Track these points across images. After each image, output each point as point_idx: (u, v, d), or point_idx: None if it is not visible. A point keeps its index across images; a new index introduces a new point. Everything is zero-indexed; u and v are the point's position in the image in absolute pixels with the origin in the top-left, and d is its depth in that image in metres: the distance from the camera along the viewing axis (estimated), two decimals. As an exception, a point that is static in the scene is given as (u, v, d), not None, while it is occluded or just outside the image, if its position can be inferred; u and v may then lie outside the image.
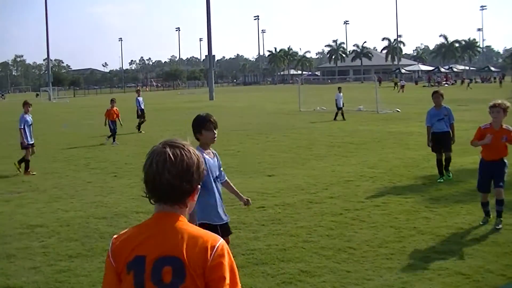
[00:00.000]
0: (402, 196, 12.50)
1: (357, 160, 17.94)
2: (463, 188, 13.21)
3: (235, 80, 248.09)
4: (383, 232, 9.63)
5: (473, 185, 13.53)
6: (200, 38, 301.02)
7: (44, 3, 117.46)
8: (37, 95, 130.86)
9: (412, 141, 22.30)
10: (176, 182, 3.00)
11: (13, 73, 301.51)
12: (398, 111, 39.14)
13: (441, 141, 14.68)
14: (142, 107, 32.10)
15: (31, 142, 18.13)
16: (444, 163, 14.66)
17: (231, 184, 7.68)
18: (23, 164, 17.75)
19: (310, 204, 12.04)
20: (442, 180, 14.34)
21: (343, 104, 35.03)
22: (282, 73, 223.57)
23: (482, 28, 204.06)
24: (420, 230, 9.73)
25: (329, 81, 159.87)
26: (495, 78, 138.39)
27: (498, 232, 9.48)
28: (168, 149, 3.06)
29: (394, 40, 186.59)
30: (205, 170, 3.19)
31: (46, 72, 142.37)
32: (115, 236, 3.26)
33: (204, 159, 6.71)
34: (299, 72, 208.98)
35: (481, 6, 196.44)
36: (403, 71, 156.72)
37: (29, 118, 18.22)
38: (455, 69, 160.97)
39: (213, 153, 7.23)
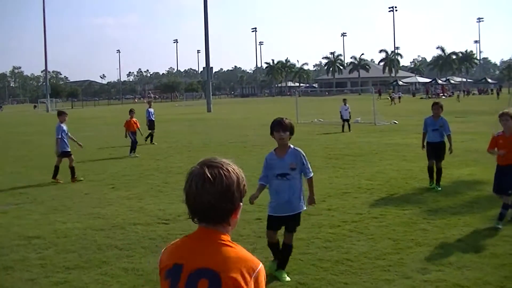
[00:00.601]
0: (399, 208, 12.50)
1: (355, 172, 17.94)
2: (461, 200, 13.22)
3: (232, 92, 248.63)
4: (381, 244, 9.62)
5: (470, 197, 13.59)
6: (198, 50, 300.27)
7: (43, 14, 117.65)
8: (34, 106, 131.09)
9: (409, 153, 22.31)
10: (217, 202, 3.03)
11: (11, 85, 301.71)
12: (395, 123, 39.18)
13: (435, 151, 15.06)
14: (152, 118, 31.86)
15: (68, 150, 18.49)
16: (435, 175, 14.93)
17: (310, 183, 9.14)
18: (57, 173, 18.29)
19: (308, 216, 12.01)
20: (433, 186, 14.74)
21: (350, 115, 35.18)
22: (279, 85, 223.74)
23: (479, 40, 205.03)
24: (417, 242, 9.73)
25: (326, 93, 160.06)
26: (492, 90, 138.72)
27: (496, 244, 9.47)
28: (206, 170, 3.10)
29: (392, 52, 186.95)
30: (246, 186, 3.21)
31: (44, 83, 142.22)
32: (164, 248, 3.28)
33: (266, 158, 8.73)
34: (297, 84, 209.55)
35: (478, 18, 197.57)
36: (400, 83, 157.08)
37: (65, 127, 18.65)
38: (452, 81, 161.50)
39: (288, 151, 8.65)
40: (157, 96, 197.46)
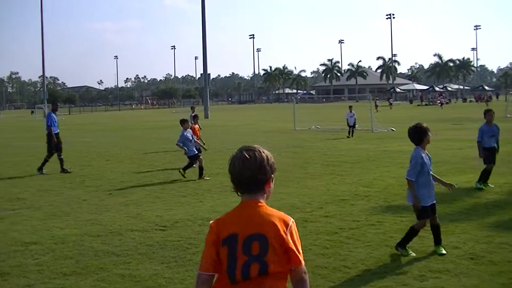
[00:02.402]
0: (397, 215, 12.50)
1: (352, 179, 17.94)
2: (458, 207, 13.22)
3: (230, 99, 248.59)
4: (378, 251, 9.62)
5: (467, 204, 13.60)
6: (195, 57, 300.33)
7: (40, 20, 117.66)
8: (32, 112, 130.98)
9: (407, 160, 22.19)
10: (255, 174, 4.03)
11: (8, 90, 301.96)
12: (392, 130, 39.22)
13: (493, 155, 16.11)
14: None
15: (197, 153, 19.93)
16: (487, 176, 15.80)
17: (435, 176, 10.01)
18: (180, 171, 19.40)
19: (305, 223, 12.02)
20: (483, 187, 15.55)
21: (355, 122, 35.61)
22: (277, 92, 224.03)
23: (476, 48, 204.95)
24: (415, 249, 9.72)
25: (324, 100, 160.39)
26: (490, 97, 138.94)
27: (493, 251, 9.47)
28: (244, 152, 4.09)
29: (389, 59, 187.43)
30: (275, 164, 4.19)
31: (42, 89, 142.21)
32: (212, 221, 4.19)
33: (422, 157, 9.59)
34: (294, 91, 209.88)
35: (475, 26, 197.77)
36: (398, 90, 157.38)
37: (189, 134, 20.03)
38: (449, 88, 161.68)
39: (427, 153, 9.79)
40: (154, 102, 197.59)
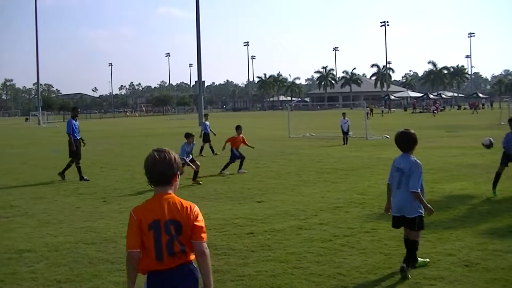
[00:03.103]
0: (391, 222, 12.49)
1: (347, 186, 17.94)
2: (452, 214, 13.24)
3: (224, 106, 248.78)
4: (372, 259, 9.62)
5: (462, 211, 13.61)
6: (190, 64, 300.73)
7: (35, 27, 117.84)
8: (26, 119, 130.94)
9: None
10: (164, 171, 5.12)
11: (3, 97, 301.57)
12: (387, 137, 39.21)
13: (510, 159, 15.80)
14: (208, 131, 32.86)
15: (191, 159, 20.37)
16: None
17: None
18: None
19: (300, 230, 12.02)
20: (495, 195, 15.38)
21: (348, 129, 35.98)
22: (271, 99, 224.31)
23: (470, 55, 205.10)
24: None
25: (318, 107, 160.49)
26: (483, 104, 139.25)
27: (488, 258, 9.48)
28: (155, 153, 5.17)
29: (383, 66, 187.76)
30: (179, 162, 5.25)
31: (36, 96, 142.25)
32: (134, 208, 5.31)
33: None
34: (289, 98, 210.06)
35: (469, 33, 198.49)
36: (392, 97, 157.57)
37: (190, 148, 20.44)
38: (443, 96, 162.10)
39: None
40: (149, 109, 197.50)
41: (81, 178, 21.31)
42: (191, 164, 19.81)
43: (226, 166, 22.66)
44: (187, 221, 5.00)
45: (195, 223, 5.02)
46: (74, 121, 22.34)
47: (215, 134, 33.46)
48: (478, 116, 77.87)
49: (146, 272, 5.14)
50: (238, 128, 24.18)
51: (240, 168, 22.71)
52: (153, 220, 5.02)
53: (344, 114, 37.83)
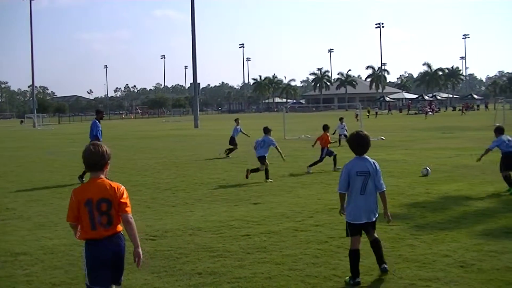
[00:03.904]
0: (387, 223, 12.50)
1: (342, 188, 17.92)
2: (448, 216, 13.26)
3: (220, 108, 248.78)
4: (368, 260, 9.61)
5: (457, 212, 13.64)
6: (185, 66, 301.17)
7: (30, 29, 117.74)
8: (21, 121, 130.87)
9: (396, 168, 22.38)
10: (98, 160, 6.45)
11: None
12: (382, 139, 39.27)
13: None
14: (235, 135, 32.97)
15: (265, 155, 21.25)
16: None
17: None
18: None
19: (296, 232, 12.03)
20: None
21: (346, 132, 36.02)
22: (267, 101, 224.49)
23: (465, 57, 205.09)
24: (405, 257, 9.74)
25: (314, 109, 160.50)
26: (478, 105, 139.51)
27: (483, 259, 9.49)
28: (91, 146, 6.52)
29: (378, 68, 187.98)
30: (110, 154, 6.56)
31: (31, 98, 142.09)
32: (74, 189, 6.55)
33: None
34: (284, 100, 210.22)
35: (464, 35, 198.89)
36: (387, 99, 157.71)
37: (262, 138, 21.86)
38: (439, 97, 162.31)
39: None
40: (145, 112, 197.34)
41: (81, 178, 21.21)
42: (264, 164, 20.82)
43: (314, 164, 23.13)
44: (114, 198, 6.33)
45: (121, 200, 6.35)
46: (98, 123, 22.57)
47: (248, 136, 33.57)
48: (473, 117, 78.00)
49: (85, 239, 6.49)
50: (326, 127, 24.41)
51: (335, 165, 23.08)
52: (87, 199, 6.33)
53: (341, 119, 37.80)
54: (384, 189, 8.93)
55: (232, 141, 32.26)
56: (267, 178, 20.25)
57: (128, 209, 6.37)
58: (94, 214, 6.30)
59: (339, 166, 22.20)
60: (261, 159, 20.95)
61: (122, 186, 6.47)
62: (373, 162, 8.95)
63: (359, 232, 8.77)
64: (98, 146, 6.51)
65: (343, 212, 8.90)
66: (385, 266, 8.78)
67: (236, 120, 34.45)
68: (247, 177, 20.34)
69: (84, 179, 21.06)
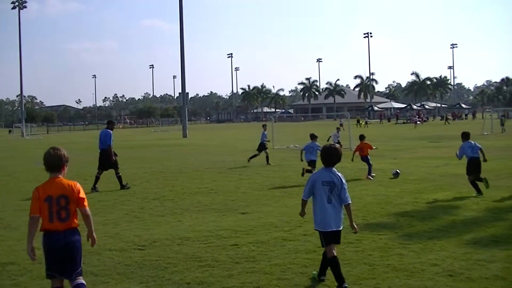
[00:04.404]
0: (375, 233, 12.53)
1: (331, 197, 17.93)
2: (436, 224, 13.29)
3: (208, 118, 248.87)
4: (357, 269, 9.62)
5: (445, 221, 13.67)
6: (173, 76, 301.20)
7: (18, 38, 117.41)
8: (10, 131, 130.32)
9: (385, 178, 22.43)
10: (57, 162, 7.44)
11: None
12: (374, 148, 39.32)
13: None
14: (263, 141, 32.74)
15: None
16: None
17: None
18: None
19: (284, 241, 12.03)
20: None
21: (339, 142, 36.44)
22: (255, 110, 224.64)
23: (453, 66, 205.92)
24: (394, 266, 9.75)
25: (302, 118, 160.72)
26: (466, 115, 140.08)
27: (472, 268, 9.51)
28: (51, 150, 7.49)
29: (367, 77, 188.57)
30: (68, 157, 7.66)
31: (19, 108, 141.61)
32: (36, 187, 7.45)
33: None
34: (273, 109, 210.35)
35: (452, 44, 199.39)
36: (375, 108, 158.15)
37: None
38: (427, 106, 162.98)
39: None
40: (132, 122, 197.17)
41: (123, 187, 21.89)
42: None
43: (370, 170, 23.55)
44: (72, 195, 7.36)
45: (79, 195, 7.42)
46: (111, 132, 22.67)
47: (268, 141, 33.73)
48: (461, 127, 78.22)
49: (43, 231, 7.43)
50: (362, 137, 25.05)
51: (369, 173, 23.46)
52: (47, 195, 7.29)
53: (338, 128, 38.82)
54: (349, 202, 9.09)
55: (262, 147, 32.19)
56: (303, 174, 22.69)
57: (86, 203, 7.53)
58: (53, 209, 7.28)
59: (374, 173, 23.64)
60: (311, 162, 23.19)
61: (78, 184, 7.51)
62: (339, 175, 9.11)
63: (332, 240, 8.88)
64: (57, 150, 7.52)
65: (303, 215, 9.53)
66: (346, 285, 8.59)
67: (264, 126, 34.34)
68: (303, 174, 22.65)
69: (98, 189, 21.55)
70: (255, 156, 31.43)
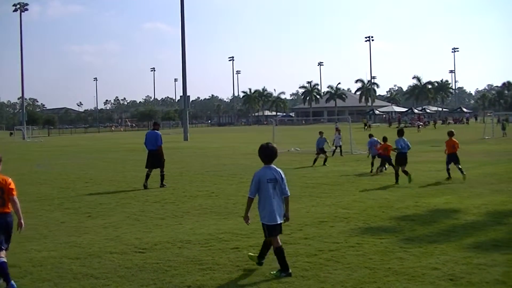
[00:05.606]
0: (376, 236, 12.52)
1: (331, 201, 17.96)
2: (437, 229, 13.27)
3: (209, 121, 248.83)
4: (357, 273, 9.62)
5: (446, 225, 13.66)
6: (175, 79, 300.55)
7: (20, 41, 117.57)
8: (11, 134, 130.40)
9: (386, 181, 22.41)
10: None
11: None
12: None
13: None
14: (322, 146, 33.18)
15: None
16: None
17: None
18: None
19: (284, 245, 11.96)
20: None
21: (340, 143, 38.06)
22: (256, 114, 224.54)
23: (454, 70, 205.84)
24: (394, 270, 9.74)
25: (303, 122, 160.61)
26: (467, 119, 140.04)
27: (472, 272, 9.50)
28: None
29: (368, 81, 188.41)
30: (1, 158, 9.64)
31: (21, 110, 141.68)
32: None
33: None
34: (274, 113, 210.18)
35: (453, 48, 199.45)
36: (377, 112, 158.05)
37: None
38: (428, 110, 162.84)
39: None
40: (134, 125, 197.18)
41: (162, 185, 22.91)
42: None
43: (382, 169, 26.31)
44: (5, 186, 9.07)
45: (10, 187, 9.11)
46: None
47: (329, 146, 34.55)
48: (462, 131, 78.18)
49: None
50: (385, 139, 26.58)
51: (381, 170, 26.36)
52: None
53: (338, 130, 39.29)
54: (288, 194, 10.04)
55: (321, 151, 32.43)
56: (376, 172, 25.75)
57: (15, 192, 9.20)
58: None
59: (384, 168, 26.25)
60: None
61: (10, 178, 9.27)
62: (279, 171, 10.00)
63: (278, 232, 9.92)
64: None
65: (248, 222, 10.39)
66: (290, 271, 9.66)
67: (320, 133, 34.36)
68: (377, 172, 25.66)
69: (166, 185, 23.06)
70: (325, 160, 32.18)
